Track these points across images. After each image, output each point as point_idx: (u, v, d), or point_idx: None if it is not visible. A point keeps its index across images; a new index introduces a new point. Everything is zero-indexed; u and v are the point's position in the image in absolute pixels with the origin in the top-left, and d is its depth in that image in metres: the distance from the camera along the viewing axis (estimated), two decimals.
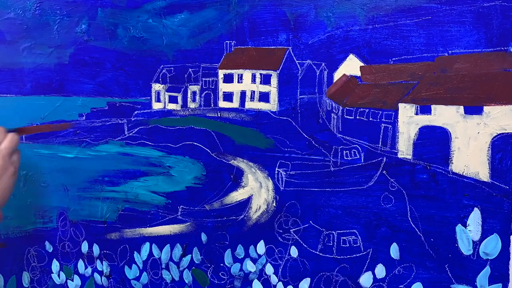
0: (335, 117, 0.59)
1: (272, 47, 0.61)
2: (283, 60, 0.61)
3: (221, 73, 0.65)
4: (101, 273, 0.75)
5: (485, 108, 0.52)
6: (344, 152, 0.59)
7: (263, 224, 0.64)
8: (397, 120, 0.56)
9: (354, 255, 0.60)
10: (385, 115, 0.57)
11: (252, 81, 0.63)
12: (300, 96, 0.61)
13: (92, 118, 0.73)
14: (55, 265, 0.78)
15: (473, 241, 0.54)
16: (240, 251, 0.66)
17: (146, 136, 0.70)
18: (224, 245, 0.67)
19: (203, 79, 0.66)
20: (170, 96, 0.68)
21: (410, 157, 0.56)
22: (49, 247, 0.78)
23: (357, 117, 0.58)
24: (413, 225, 0.56)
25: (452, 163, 0.54)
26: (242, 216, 0.65)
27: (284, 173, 0.62)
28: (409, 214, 0.57)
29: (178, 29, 0.66)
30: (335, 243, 0.60)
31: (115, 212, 0.73)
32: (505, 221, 0.52)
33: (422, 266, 0.56)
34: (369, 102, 0.57)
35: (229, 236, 0.66)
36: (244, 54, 0.63)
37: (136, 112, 0.70)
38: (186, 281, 0.69)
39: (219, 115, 0.65)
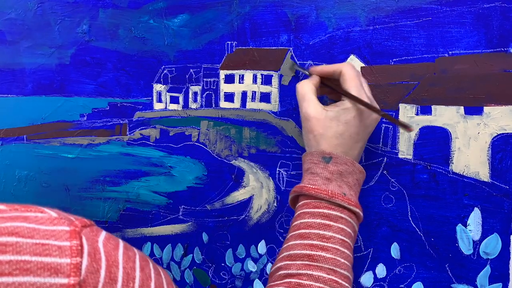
0: None
1: (273, 47, 0.62)
2: (284, 61, 0.61)
3: (222, 73, 0.65)
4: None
5: (485, 109, 0.52)
6: None
7: (264, 224, 0.64)
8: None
9: (355, 255, 0.60)
10: None
11: (253, 82, 0.63)
12: None
13: (93, 119, 0.73)
14: None
15: (473, 240, 0.54)
16: (241, 250, 0.66)
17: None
18: (225, 245, 0.67)
19: (204, 79, 0.66)
20: (171, 97, 0.68)
21: (410, 157, 0.56)
22: None
23: None
24: (414, 225, 0.57)
25: (453, 163, 0.54)
26: (243, 216, 0.65)
27: (285, 173, 0.63)
28: (409, 214, 0.57)
29: (179, 30, 0.66)
30: None
31: (116, 212, 0.73)
32: (505, 221, 0.53)
33: (422, 266, 0.57)
34: None
35: (230, 236, 0.66)
36: (245, 55, 0.63)
37: (137, 113, 0.70)
38: (188, 281, 0.69)
39: (220, 116, 0.66)
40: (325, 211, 0.49)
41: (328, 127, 0.51)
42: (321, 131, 0.51)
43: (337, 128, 0.51)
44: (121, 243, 0.37)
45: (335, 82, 0.54)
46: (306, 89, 0.53)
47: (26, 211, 0.35)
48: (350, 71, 0.52)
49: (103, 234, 0.36)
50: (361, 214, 0.51)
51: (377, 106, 0.53)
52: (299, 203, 0.52)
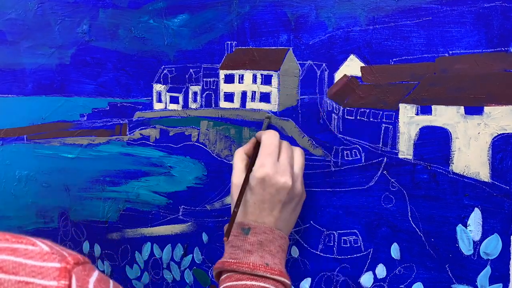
0: (336, 117, 0.59)
1: (273, 47, 0.61)
2: (284, 61, 0.61)
3: (222, 73, 0.65)
4: (102, 273, 0.75)
5: (486, 109, 0.52)
6: (345, 152, 0.59)
7: None
8: (398, 121, 0.56)
9: (355, 255, 0.60)
10: (385, 115, 0.57)
11: (253, 82, 0.63)
12: (301, 97, 0.61)
13: (93, 119, 0.73)
14: None
15: (473, 241, 0.54)
16: None
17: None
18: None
19: (204, 79, 0.66)
20: (171, 97, 0.68)
21: (410, 157, 0.56)
22: None
23: (358, 118, 0.58)
24: (414, 225, 0.57)
25: (453, 163, 0.54)
26: None
27: None
28: (409, 214, 0.57)
29: (179, 30, 0.66)
30: (335, 243, 0.60)
31: (116, 212, 0.73)
32: (505, 221, 0.52)
33: (422, 266, 0.56)
34: (370, 102, 0.57)
35: None
36: (245, 55, 0.63)
37: (137, 113, 0.70)
38: (187, 281, 0.69)
39: (220, 116, 0.66)
40: (248, 282, 0.48)
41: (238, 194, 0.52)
42: (234, 198, 0.53)
43: (245, 196, 0.52)
44: (111, 286, 0.35)
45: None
46: (237, 155, 0.55)
47: (17, 242, 0.32)
48: (265, 139, 0.53)
49: (95, 274, 0.34)
50: (288, 282, 0.50)
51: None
52: (222, 277, 0.51)
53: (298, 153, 0.55)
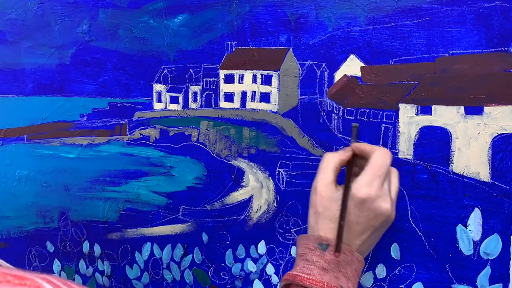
0: (336, 117, 0.59)
1: (273, 47, 0.61)
2: (284, 61, 0.61)
3: (222, 73, 0.65)
4: (102, 273, 0.75)
5: (486, 109, 0.52)
6: None
7: (264, 224, 0.64)
8: (398, 121, 0.56)
9: None
10: (385, 115, 0.57)
11: (253, 82, 0.63)
12: (301, 97, 0.61)
13: (93, 119, 0.73)
14: (57, 265, 0.78)
15: (473, 241, 0.54)
16: (241, 251, 0.66)
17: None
18: (225, 245, 0.67)
19: (204, 79, 0.66)
20: (171, 97, 0.68)
21: (410, 157, 0.56)
22: (50, 247, 0.78)
23: (358, 118, 0.58)
24: (414, 225, 0.56)
25: (453, 163, 0.54)
26: (243, 216, 0.65)
27: (285, 173, 0.62)
28: (409, 214, 0.57)
29: (179, 30, 0.66)
30: None
31: (116, 212, 0.73)
32: (505, 221, 0.52)
33: (422, 266, 0.56)
34: (370, 102, 0.57)
35: (230, 236, 0.66)
36: (245, 55, 0.63)
37: (137, 113, 0.70)
38: (187, 281, 0.69)
39: (220, 116, 0.66)
40: None
41: (327, 208, 0.49)
42: (320, 210, 0.49)
43: (335, 212, 0.48)
44: None
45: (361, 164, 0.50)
46: (329, 161, 0.50)
47: (20, 285, 0.29)
48: (379, 158, 0.48)
49: None
50: None
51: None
52: None
53: (395, 175, 0.51)
